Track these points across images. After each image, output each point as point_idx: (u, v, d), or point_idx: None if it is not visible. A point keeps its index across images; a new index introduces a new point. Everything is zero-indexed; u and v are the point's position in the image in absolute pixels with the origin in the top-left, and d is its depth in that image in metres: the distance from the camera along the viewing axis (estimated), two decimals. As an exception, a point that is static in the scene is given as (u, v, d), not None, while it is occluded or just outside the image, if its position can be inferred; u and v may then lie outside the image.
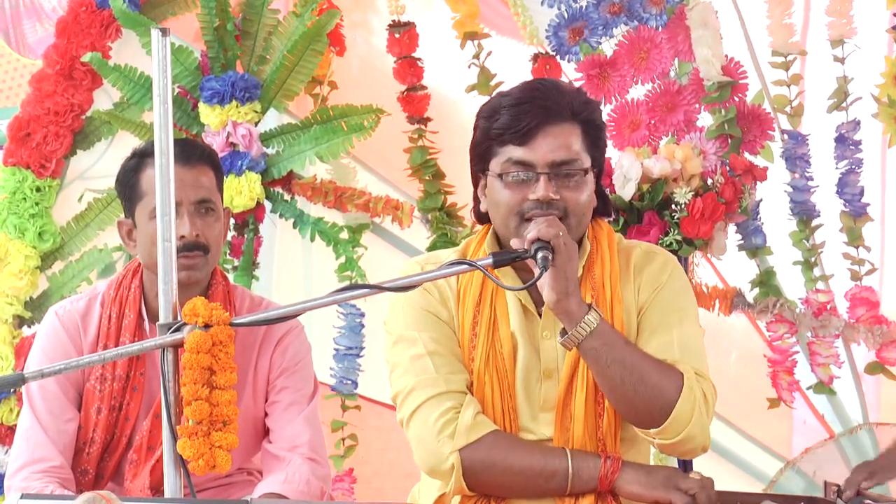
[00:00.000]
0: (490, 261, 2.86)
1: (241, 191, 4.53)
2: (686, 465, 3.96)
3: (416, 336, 3.02)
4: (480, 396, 2.99)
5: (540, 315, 3.01)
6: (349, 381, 4.56)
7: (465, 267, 2.85)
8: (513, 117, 2.95)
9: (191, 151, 3.45)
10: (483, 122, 3.02)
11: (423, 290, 3.05)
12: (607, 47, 4.45)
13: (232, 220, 4.59)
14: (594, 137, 3.02)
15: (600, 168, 3.07)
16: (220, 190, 3.52)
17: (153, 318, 3.45)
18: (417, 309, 3.04)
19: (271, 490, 3.34)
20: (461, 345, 3.03)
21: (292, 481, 3.36)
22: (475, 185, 3.10)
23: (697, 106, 4.33)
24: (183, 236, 3.36)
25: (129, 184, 3.47)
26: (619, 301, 3.01)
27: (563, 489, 2.92)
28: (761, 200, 4.38)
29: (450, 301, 3.05)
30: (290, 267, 5.04)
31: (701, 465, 3.68)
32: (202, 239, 3.41)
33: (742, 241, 4.39)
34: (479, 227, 4.32)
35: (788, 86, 4.44)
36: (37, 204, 4.69)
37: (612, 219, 4.02)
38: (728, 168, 4.25)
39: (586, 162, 2.98)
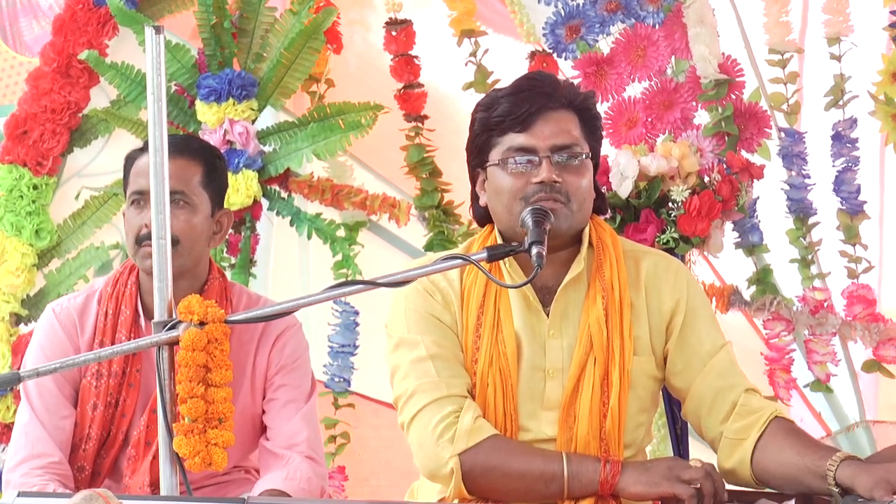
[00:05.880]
0: (485, 255, 2.83)
1: (238, 188, 4.53)
2: (682, 452, 3.96)
3: (419, 339, 2.99)
4: (482, 397, 2.97)
5: (548, 315, 3.00)
6: (342, 379, 4.55)
7: (459, 262, 2.82)
8: (513, 104, 2.97)
9: (173, 142, 3.42)
10: (481, 114, 3.02)
11: (426, 293, 3.03)
12: (604, 45, 4.44)
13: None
14: (591, 127, 3.04)
15: (596, 161, 3.07)
16: (210, 185, 3.49)
17: (149, 314, 3.45)
18: (420, 312, 3.02)
19: (273, 486, 3.33)
20: (464, 347, 3.00)
21: (294, 478, 3.36)
22: (473, 182, 3.09)
23: (694, 103, 4.32)
24: (145, 226, 3.37)
25: (124, 173, 3.49)
26: (628, 305, 3.00)
27: (562, 493, 2.88)
28: (758, 198, 4.36)
29: (453, 305, 3.03)
30: (287, 265, 5.04)
31: (699, 461, 3.67)
32: None
33: (739, 239, 4.38)
34: (476, 224, 4.39)
35: (785, 83, 4.42)
36: (33, 201, 4.69)
37: (608, 216, 4.01)
38: (725, 166, 4.24)
39: (585, 148, 3.00)
